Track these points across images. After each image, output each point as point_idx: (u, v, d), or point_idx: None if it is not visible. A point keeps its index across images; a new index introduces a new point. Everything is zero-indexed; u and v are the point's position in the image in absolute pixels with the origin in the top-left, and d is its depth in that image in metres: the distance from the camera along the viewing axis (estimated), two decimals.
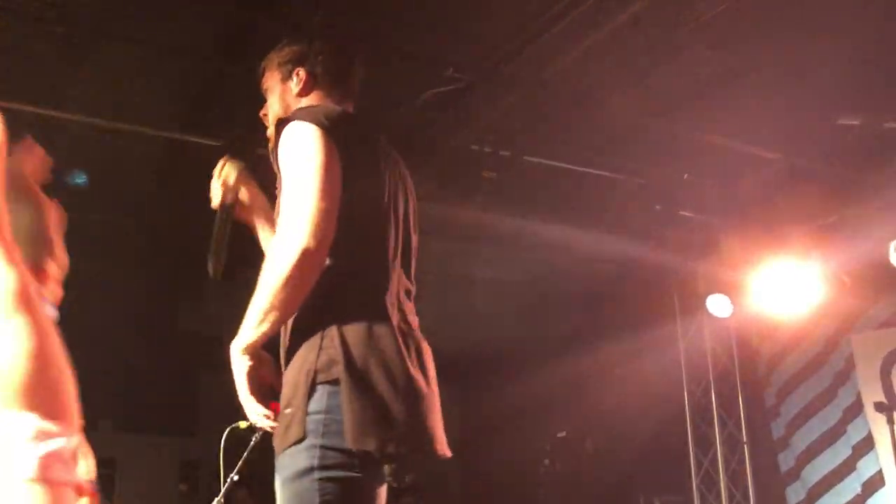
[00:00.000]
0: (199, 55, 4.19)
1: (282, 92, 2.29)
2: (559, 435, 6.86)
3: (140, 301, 6.17)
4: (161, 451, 7.44)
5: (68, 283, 2.47)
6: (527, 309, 7.56)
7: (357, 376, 1.90)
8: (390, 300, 2.04)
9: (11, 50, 3.86)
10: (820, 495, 6.10)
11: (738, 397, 6.41)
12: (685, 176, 5.09)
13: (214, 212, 2.38)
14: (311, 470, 1.87)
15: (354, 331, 1.95)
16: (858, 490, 5.83)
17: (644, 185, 5.38)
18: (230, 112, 4.30)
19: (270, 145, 2.21)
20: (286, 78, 2.29)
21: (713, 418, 6.37)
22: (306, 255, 1.91)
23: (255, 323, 1.96)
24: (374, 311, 1.99)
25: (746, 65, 4.32)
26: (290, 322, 2.05)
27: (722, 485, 6.23)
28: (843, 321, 5.99)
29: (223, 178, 2.37)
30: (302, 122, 2.04)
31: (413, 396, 1.95)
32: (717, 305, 6.16)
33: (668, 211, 5.68)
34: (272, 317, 1.95)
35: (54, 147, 2.49)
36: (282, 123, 2.12)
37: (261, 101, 2.40)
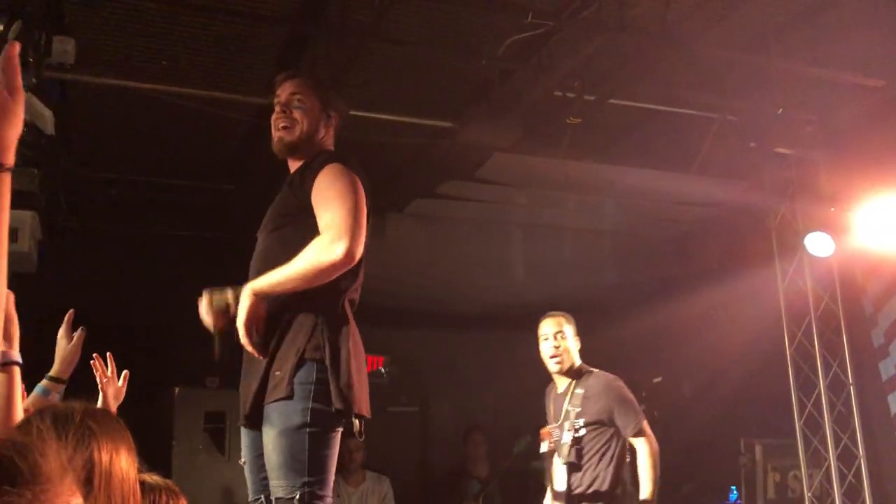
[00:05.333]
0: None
1: (316, 117, 2.75)
2: (655, 381, 6.78)
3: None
4: None
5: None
6: (618, 256, 7.46)
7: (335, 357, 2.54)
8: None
9: None
10: None
11: (842, 338, 6.20)
12: (779, 111, 4.89)
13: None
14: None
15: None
16: None
17: (736, 123, 5.20)
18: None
19: (287, 151, 2.74)
20: (322, 108, 2.74)
21: (815, 360, 6.19)
22: (346, 260, 2.44)
23: (276, 282, 2.47)
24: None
25: None
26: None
27: (827, 428, 6.07)
28: None
29: (215, 308, 2.64)
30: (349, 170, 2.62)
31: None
32: (818, 244, 5.94)
33: (762, 148, 5.49)
34: (289, 286, 2.46)
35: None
36: (322, 156, 2.68)
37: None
